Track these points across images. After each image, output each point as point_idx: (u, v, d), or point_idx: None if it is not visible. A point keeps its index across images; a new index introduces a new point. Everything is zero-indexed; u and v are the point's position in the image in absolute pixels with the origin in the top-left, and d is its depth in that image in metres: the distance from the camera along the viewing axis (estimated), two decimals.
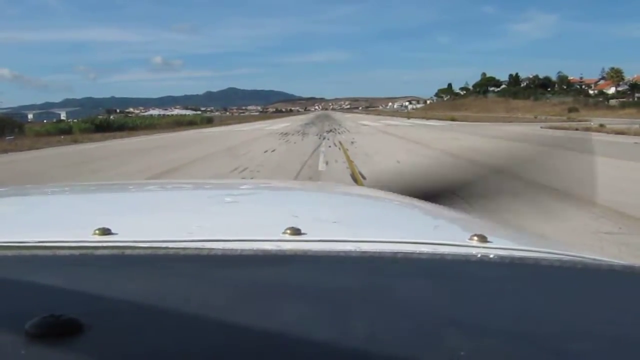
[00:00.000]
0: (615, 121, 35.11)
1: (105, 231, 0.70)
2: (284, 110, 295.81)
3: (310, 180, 8.14)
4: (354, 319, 0.44)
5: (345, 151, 14.84)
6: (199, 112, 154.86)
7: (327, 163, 11.73)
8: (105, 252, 0.60)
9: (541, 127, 29.62)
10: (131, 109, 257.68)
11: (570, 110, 70.58)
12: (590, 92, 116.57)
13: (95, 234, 0.69)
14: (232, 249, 0.61)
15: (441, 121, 44.86)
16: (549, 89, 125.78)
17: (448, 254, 0.62)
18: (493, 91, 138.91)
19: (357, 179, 9.16)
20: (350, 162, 11.76)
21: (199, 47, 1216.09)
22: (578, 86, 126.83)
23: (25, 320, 0.39)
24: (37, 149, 19.65)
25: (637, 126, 24.37)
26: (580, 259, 0.71)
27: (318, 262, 0.60)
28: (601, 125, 26.88)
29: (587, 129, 25.51)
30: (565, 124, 31.89)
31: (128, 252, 0.60)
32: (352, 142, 18.49)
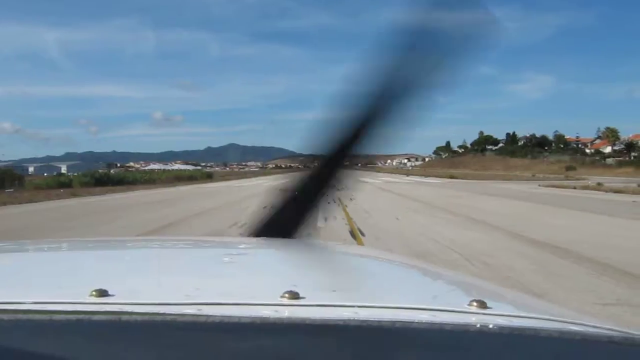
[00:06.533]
0: (612, 180, 35.39)
1: (102, 293, 0.69)
2: (283, 166, 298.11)
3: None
4: None
5: (344, 207, 14.85)
6: (199, 167, 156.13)
7: (325, 219, 11.70)
8: (102, 317, 0.60)
9: (539, 186, 29.77)
10: (132, 163, 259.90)
11: (568, 168, 71.38)
12: (587, 150, 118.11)
13: (92, 295, 0.69)
14: (230, 316, 0.61)
15: (440, 179, 45.22)
16: (546, 148, 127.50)
17: (447, 324, 0.62)
18: (491, 149, 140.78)
19: (356, 235, 9.13)
20: (349, 219, 11.74)
21: (200, 104, 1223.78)
22: (575, 145, 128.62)
23: None
24: (36, 202, 19.68)
25: (634, 185, 24.57)
26: (581, 327, 0.71)
27: (316, 331, 0.60)
28: (599, 184, 27.05)
29: (585, 187, 25.66)
30: (564, 182, 32.13)
31: (125, 317, 0.60)
32: (351, 199, 18.49)
